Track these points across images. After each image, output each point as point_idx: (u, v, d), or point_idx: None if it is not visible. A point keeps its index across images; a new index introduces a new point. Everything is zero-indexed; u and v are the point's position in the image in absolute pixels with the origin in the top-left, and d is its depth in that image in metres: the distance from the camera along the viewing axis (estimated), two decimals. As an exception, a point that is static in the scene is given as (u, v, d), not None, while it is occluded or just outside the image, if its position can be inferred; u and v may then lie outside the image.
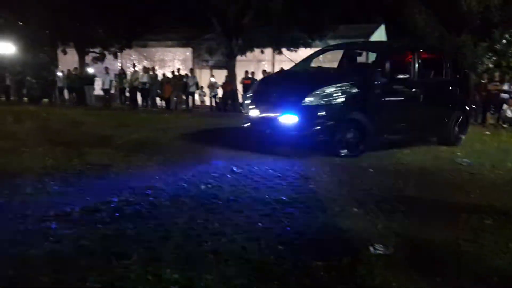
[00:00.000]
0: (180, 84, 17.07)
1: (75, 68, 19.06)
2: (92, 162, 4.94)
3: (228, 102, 16.72)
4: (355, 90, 5.97)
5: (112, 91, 18.52)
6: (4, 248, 2.44)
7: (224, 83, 16.92)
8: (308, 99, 5.78)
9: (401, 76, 6.29)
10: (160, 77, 17.78)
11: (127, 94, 17.99)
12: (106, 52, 19.45)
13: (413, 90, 6.69)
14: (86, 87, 17.86)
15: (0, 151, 5.41)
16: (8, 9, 18.90)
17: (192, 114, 14.75)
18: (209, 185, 4.02)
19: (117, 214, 3.07)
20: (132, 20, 18.14)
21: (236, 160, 5.25)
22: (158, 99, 17.77)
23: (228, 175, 4.50)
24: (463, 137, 7.61)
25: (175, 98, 17.12)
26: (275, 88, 6.49)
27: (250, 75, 16.05)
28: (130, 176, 4.34)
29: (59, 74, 19.70)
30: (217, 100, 17.26)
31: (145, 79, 17.15)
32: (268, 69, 17.47)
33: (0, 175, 4.13)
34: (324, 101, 5.79)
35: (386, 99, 6.27)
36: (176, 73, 17.57)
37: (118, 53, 19.65)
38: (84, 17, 17.53)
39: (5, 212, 3.05)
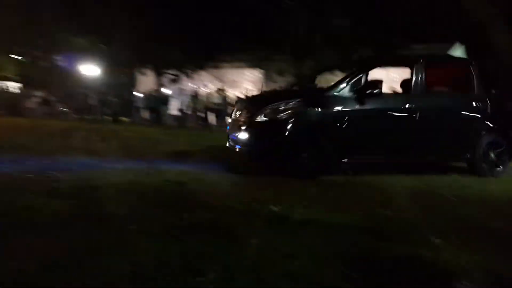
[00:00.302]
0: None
1: (154, 89, 20.14)
2: (169, 179, 5.14)
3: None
4: (304, 108, 5.82)
5: (187, 111, 19.36)
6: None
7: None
8: (257, 117, 5.80)
9: (379, 91, 5.78)
10: (231, 97, 18.29)
11: (201, 114, 18.69)
12: (180, 74, 20.39)
13: (407, 106, 6.04)
14: (162, 107, 18.81)
15: (85, 167, 5.80)
16: (94, 33, 20.48)
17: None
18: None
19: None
20: (206, 43, 18.90)
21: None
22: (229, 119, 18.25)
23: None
24: (503, 168, 6.51)
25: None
26: (244, 106, 6.66)
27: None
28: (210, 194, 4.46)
29: (138, 94, 20.95)
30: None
31: (218, 99, 17.74)
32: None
33: (85, 188, 4.41)
34: (271, 117, 5.73)
35: (356, 116, 5.80)
36: (247, 94, 17.97)
37: (192, 74, 20.49)
38: (162, 41, 18.53)
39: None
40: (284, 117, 5.68)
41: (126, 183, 4.79)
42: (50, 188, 4.29)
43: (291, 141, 5.70)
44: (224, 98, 17.72)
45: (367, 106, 5.83)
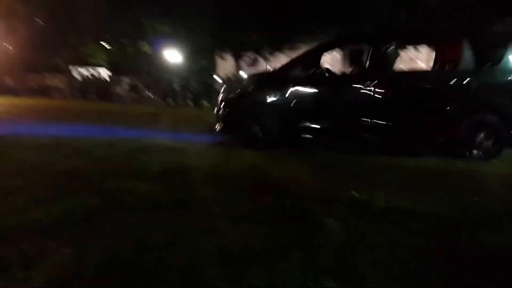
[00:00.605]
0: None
1: (233, 73, 20.48)
2: (250, 164, 5.21)
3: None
4: (254, 84, 6.60)
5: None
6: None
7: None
8: (222, 93, 6.74)
9: (329, 68, 6.16)
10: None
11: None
12: (258, 57, 20.48)
13: (361, 84, 5.80)
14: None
15: (174, 150, 6.06)
16: (176, 20, 21.19)
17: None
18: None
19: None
20: (284, 25, 18.75)
21: None
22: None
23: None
24: (497, 151, 5.68)
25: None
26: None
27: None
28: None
29: (218, 78, 21.45)
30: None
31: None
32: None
33: (171, 170, 4.61)
34: (229, 97, 6.57)
35: (305, 91, 6.06)
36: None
37: (269, 57, 20.48)
38: (241, 25, 18.70)
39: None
40: (234, 97, 6.51)
41: (208, 166, 4.93)
42: (139, 169, 4.55)
43: (238, 117, 6.31)
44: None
45: (324, 82, 6.09)
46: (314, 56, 6.40)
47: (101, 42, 32.11)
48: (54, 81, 29.32)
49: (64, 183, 3.88)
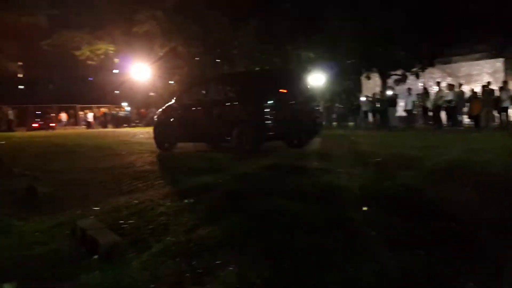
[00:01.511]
0: (491, 100, 15.31)
1: (380, 92, 19.81)
2: (404, 184, 4.90)
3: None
4: (162, 111, 10.50)
5: (414, 111, 18.39)
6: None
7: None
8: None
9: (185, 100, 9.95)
10: (467, 93, 16.44)
11: (430, 113, 17.42)
12: (407, 73, 19.48)
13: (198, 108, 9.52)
14: (390, 109, 18.29)
15: (319, 171, 6.05)
16: (320, 46, 21.53)
17: (507, 132, 12.92)
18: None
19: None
20: (435, 39, 17.56)
21: None
22: (465, 117, 16.54)
23: None
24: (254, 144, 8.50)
25: (484, 115, 15.47)
26: None
27: None
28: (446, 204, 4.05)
29: (363, 99, 20.98)
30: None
31: (450, 96, 16.20)
32: None
33: (327, 192, 4.56)
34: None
35: (178, 115, 9.81)
36: (486, 88, 15.82)
37: (420, 73, 19.33)
38: (387, 42, 18.10)
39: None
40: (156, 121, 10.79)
41: (358, 187, 4.77)
42: (293, 191, 4.62)
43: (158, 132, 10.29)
44: (459, 94, 16.05)
45: (184, 109, 9.77)
46: (185, 91, 11.03)
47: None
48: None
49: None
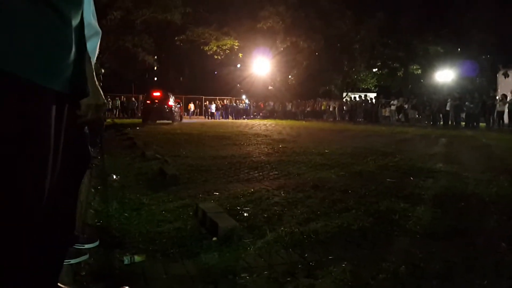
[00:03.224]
0: None
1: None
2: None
3: None
4: None
5: None
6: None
7: None
8: None
9: None
10: None
11: None
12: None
13: None
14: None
15: (444, 175, 5.63)
16: (451, 40, 19.95)
17: None
18: None
19: None
20: None
21: None
22: None
23: None
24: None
25: None
26: None
27: None
28: None
29: (498, 97, 18.95)
30: None
31: None
32: None
33: (448, 198, 4.24)
34: None
35: None
36: None
37: None
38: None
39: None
40: None
41: (491, 195, 4.32)
42: (410, 193, 4.37)
43: None
44: None
45: None
46: None
47: (371, 67, 33.26)
48: (327, 105, 31.92)
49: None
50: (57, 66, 1.13)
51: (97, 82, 1.60)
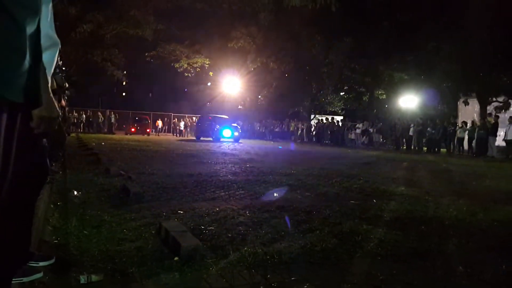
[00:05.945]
0: None
1: (481, 119, 18.50)
2: (499, 220, 4.49)
3: None
4: None
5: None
6: None
7: None
8: None
9: None
10: None
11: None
12: (511, 101, 17.99)
13: None
14: (491, 138, 16.96)
15: (406, 198, 5.76)
16: (416, 68, 20.67)
17: None
18: None
19: None
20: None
21: None
22: None
23: None
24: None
25: None
26: None
27: None
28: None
29: (458, 124, 19.70)
30: None
31: None
32: None
33: (409, 221, 4.33)
34: None
35: None
36: None
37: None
38: (490, 67, 16.93)
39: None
40: None
41: (450, 218, 4.44)
42: (373, 215, 4.44)
43: None
44: None
45: None
46: None
47: (339, 91, 34.03)
48: (295, 126, 32.32)
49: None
50: (9, 74, 1.08)
51: (51, 94, 1.52)
